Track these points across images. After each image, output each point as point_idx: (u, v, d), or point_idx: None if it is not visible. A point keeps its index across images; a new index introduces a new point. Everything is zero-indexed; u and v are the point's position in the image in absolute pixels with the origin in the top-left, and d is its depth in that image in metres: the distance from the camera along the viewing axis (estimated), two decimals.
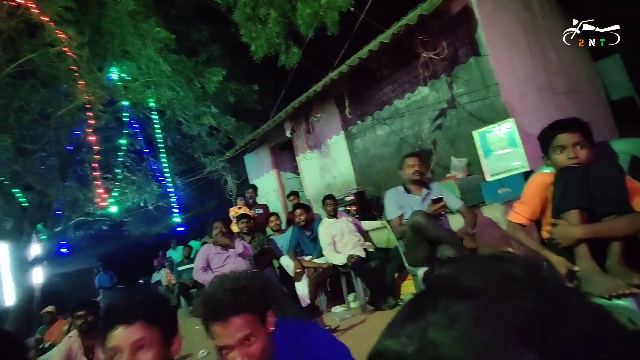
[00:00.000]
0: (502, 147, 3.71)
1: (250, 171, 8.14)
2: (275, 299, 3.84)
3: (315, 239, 4.32)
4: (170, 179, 10.62)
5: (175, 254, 8.96)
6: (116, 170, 10.22)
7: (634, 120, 5.11)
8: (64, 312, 5.69)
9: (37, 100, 7.81)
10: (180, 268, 7.38)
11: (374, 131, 5.23)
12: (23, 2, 6.57)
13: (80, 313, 2.90)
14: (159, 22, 8.20)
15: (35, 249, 8.55)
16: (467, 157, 4.09)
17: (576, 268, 1.46)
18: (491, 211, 3.32)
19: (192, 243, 8.54)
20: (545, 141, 1.66)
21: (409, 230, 2.78)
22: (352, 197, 5.00)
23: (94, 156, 8.55)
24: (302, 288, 4.09)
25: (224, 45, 9.63)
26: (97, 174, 8.57)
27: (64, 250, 9.66)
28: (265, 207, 6.09)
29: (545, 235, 1.71)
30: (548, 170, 1.74)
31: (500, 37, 4.06)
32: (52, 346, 4.18)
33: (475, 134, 3.88)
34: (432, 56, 4.08)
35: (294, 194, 5.80)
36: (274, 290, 3.69)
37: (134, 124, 10.26)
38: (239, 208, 5.71)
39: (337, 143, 5.77)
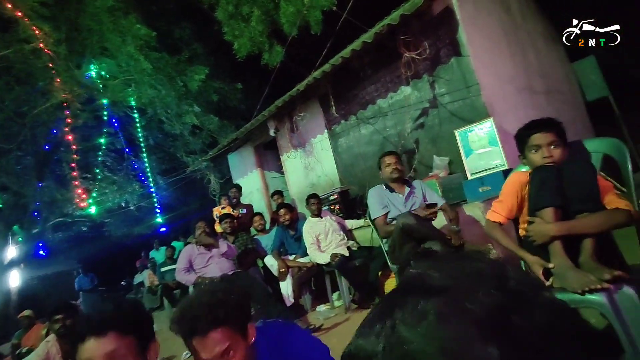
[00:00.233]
0: (482, 146, 3.78)
1: (234, 170, 8.07)
2: (257, 301, 3.83)
3: (299, 239, 4.32)
4: (152, 179, 10.47)
5: (158, 254, 8.82)
6: (96, 170, 10.00)
7: (609, 120, 5.27)
8: (42, 316, 5.54)
9: (12, 98, 7.57)
10: (163, 269, 7.27)
11: (357, 130, 5.26)
12: None
13: (58, 317, 2.83)
14: (139, 18, 8.04)
15: (12, 252, 8.29)
16: (449, 156, 4.14)
17: (550, 265, 1.50)
18: (472, 209, 3.37)
19: (174, 243, 8.43)
20: (521, 141, 1.69)
21: (397, 231, 2.78)
22: (336, 196, 5.02)
23: (72, 155, 8.35)
24: (286, 287, 4.08)
25: (207, 43, 9.51)
26: (75, 173, 8.38)
27: (42, 252, 9.41)
28: (249, 206, 6.05)
29: (522, 232, 1.75)
30: (525, 169, 1.78)
31: (481, 37, 4.12)
32: (29, 351, 4.06)
33: (457, 133, 3.94)
34: (414, 56, 4.12)
35: (278, 193, 5.78)
36: (254, 298, 3.67)
37: (114, 122, 10.05)
38: (223, 208, 5.66)
39: (321, 142, 5.77)
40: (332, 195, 5.06)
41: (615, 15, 3.15)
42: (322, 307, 4.06)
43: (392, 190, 3.14)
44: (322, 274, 4.08)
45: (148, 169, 10.46)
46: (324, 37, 5.97)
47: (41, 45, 6.77)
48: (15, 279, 8.51)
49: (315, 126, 5.81)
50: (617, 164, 1.74)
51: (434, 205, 2.94)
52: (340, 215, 4.73)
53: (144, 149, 10.24)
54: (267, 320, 1.35)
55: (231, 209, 5.57)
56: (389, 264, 3.11)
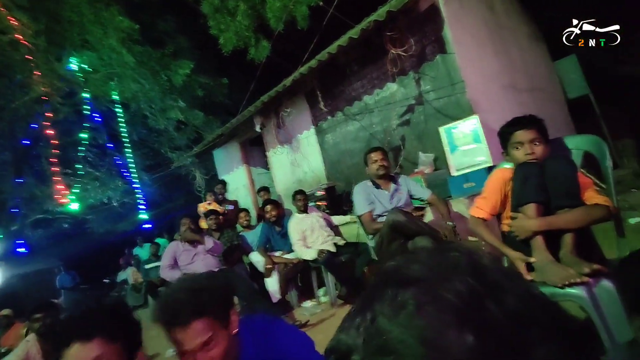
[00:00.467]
0: (467, 142, 3.82)
1: (220, 166, 8.00)
2: (243, 298, 3.81)
3: (285, 235, 4.31)
4: (136, 175, 10.29)
5: (142, 251, 8.70)
6: (77, 166, 9.77)
7: (589, 118, 5.39)
8: (21, 315, 5.41)
9: None
10: (147, 266, 7.17)
11: (344, 126, 5.26)
12: None
13: (38, 316, 2.78)
14: (121, 10, 7.88)
15: None
16: (434, 152, 4.18)
17: (532, 260, 1.53)
18: (456, 205, 3.41)
19: (159, 240, 8.32)
20: (504, 138, 1.72)
21: (386, 228, 2.78)
22: (322, 192, 5.02)
23: (53, 151, 8.14)
24: (272, 284, 4.07)
25: (192, 37, 9.38)
26: (55, 169, 8.18)
27: (21, 249, 9.18)
28: (235, 203, 6.01)
29: (505, 228, 1.78)
30: (508, 166, 1.80)
31: (466, 35, 4.16)
32: (8, 351, 3.96)
33: (442, 130, 3.97)
34: (400, 53, 4.14)
35: (265, 189, 5.75)
36: (239, 295, 3.65)
37: (96, 117, 9.83)
38: (209, 204, 5.61)
39: (308, 138, 5.76)
40: (319, 191, 5.06)
41: (598, 14, 3.21)
42: (308, 303, 4.05)
43: (377, 186, 3.15)
44: (309, 270, 4.08)
45: (132, 165, 10.27)
46: (311, 32, 5.96)
47: (19, 36, 6.56)
48: None
49: (301, 122, 5.79)
50: (597, 160, 1.78)
51: (422, 208, 2.97)
52: (327, 211, 4.73)
53: (127, 145, 10.05)
54: (254, 314, 1.34)
55: (217, 205, 5.53)
56: (375, 259, 3.13)
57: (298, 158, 5.95)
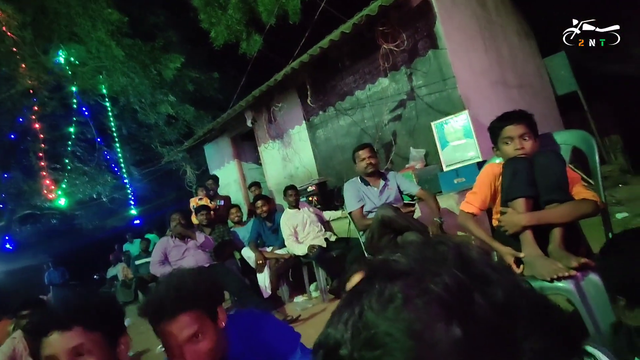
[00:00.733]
0: (457, 138, 3.85)
1: (211, 161, 7.94)
2: (234, 293, 3.80)
3: (276, 230, 4.30)
4: (125, 170, 10.17)
5: (133, 247, 8.62)
6: (65, 161, 9.62)
7: (577, 114, 5.45)
8: (8, 312, 5.32)
9: None
10: (137, 262, 7.11)
11: (335, 122, 5.25)
12: None
13: (25, 312, 2.74)
14: (110, 2, 7.73)
15: None
16: (426, 147, 4.20)
17: (521, 255, 1.55)
18: (447, 200, 3.43)
19: (149, 236, 8.25)
20: (494, 133, 1.73)
21: (376, 223, 2.79)
22: (313, 188, 5.01)
23: (40, 145, 8.01)
24: (263, 279, 4.07)
25: (183, 30, 9.27)
26: (43, 164, 8.05)
27: (8, 246, 9.04)
28: (226, 198, 5.98)
29: (495, 223, 1.79)
30: (498, 161, 1.81)
31: (457, 31, 4.17)
32: None
33: (433, 125, 3.99)
34: (392, 48, 4.13)
35: (256, 184, 5.72)
36: (227, 285, 3.64)
37: (85, 111, 9.68)
38: (200, 199, 5.56)
39: (299, 133, 5.74)
40: (310, 186, 5.06)
41: (588, 12, 3.24)
42: (299, 298, 4.07)
43: (367, 183, 3.17)
44: (300, 265, 4.09)
45: (121, 160, 10.16)
46: (303, 26, 5.92)
47: (4, 28, 6.41)
48: None
49: (293, 117, 5.77)
50: (585, 156, 1.80)
51: (412, 204, 2.98)
52: (318, 206, 4.73)
53: (116, 139, 9.93)
54: (241, 310, 1.34)
55: (209, 201, 5.49)
56: (366, 254, 3.14)
57: (289, 153, 5.94)
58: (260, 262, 4.07)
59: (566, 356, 0.32)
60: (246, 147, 7.33)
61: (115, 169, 10.61)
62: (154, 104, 9.23)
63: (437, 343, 0.28)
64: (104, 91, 9.06)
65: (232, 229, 4.89)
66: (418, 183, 3.79)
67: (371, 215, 3.02)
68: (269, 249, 4.30)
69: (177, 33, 9.35)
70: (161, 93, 9.04)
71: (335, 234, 4.20)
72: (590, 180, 1.79)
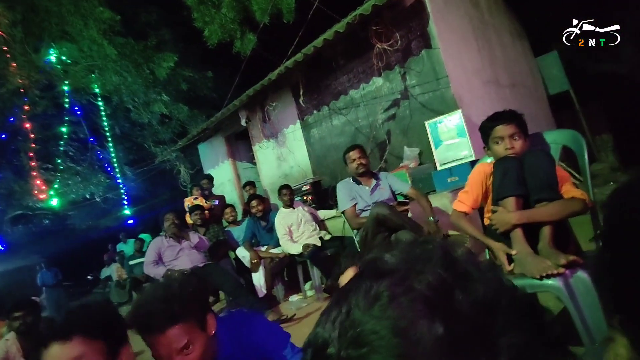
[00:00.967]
0: (451, 137, 3.87)
1: (205, 161, 7.91)
2: (229, 293, 3.79)
3: (271, 229, 4.30)
4: (118, 170, 10.10)
5: (126, 247, 8.58)
6: (57, 161, 9.53)
7: (569, 113, 5.51)
8: (1, 314, 5.27)
9: None
10: (131, 262, 7.08)
11: (330, 121, 5.26)
12: None
13: (17, 314, 2.71)
14: (101, 0, 7.65)
15: None
16: (419, 146, 4.22)
17: (513, 252, 1.57)
18: (440, 199, 3.46)
19: (143, 236, 8.21)
20: (485, 133, 1.75)
21: (371, 221, 2.81)
22: (308, 187, 5.02)
23: (31, 145, 7.92)
24: (258, 278, 4.07)
25: (176, 29, 9.21)
26: (34, 164, 7.96)
27: (0, 247, 8.94)
28: (221, 197, 5.96)
29: (487, 221, 1.81)
30: (489, 160, 1.83)
31: (450, 31, 4.19)
32: None
33: (427, 124, 4.01)
34: (386, 47, 4.15)
35: (250, 184, 5.71)
36: (225, 290, 3.62)
37: (77, 110, 9.59)
38: (195, 199, 5.54)
39: (294, 132, 5.74)
40: (305, 186, 5.06)
41: (579, 12, 3.27)
42: (294, 297, 4.07)
43: (358, 182, 3.21)
44: (295, 264, 4.09)
45: (114, 159, 10.08)
46: (297, 25, 5.91)
47: None
48: None
49: (287, 116, 5.76)
50: (575, 154, 1.82)
51: (406, 203, 3.00)
52: (313, 205, 4.74)
53: (109, 139, 9.85)
54: (231, 310, 1.35)
55: (204, 200, 5.47)
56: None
57: (284, 152, 5.94)
58: (255, 261, 4.07)
59: (546, 353, 0.33)
60: (240, 146, 7.31)
61: (109, 169, 10.54)
62: (147, 103, 9.17)
63: (420, 339, 0.29)
64: (97, 90, 8.98)
65: (226, 229, 4.88)
66: (412, 182, 3.82)
67: (364, 214, 3.05)
68: (263, 248, 4.30)
69: (170, 31, 9.29)
70: (154, 92, 8.98)
71: (329, 233, 4.21)
72: (581, 179, 1.81)
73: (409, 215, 3.19)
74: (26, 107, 7.57)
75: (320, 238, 3.98)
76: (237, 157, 7.27)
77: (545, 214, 1.55)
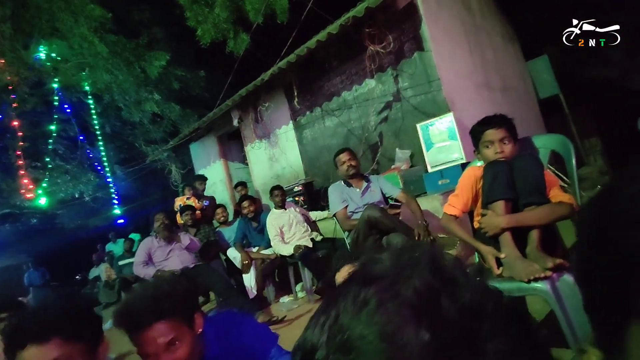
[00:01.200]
0: (442, 139, 3.90)
1: (196, 161, 7.87)
2: (220, 294, 3.78)
3: (262, 230, 4.29)
4: (109, 169, 9.99)
5: (116, 247, 8.48)
6: (46, 159, 9.40)
7: (559, 117, 5.58)
8: None
9: None
10: (121, 262, 7.00)
11: (322, 122, 5.26)
12: None
13: (3, 315, 2.66)
14: None
15: None
16: (411, 149, 4.24)
17: (502, 255, 1.58)
18: (431, 201, 3.48)
19: (133, 235, 8.13)
20: (475, 136, 1.76)
21: (362, 223, 2.82)
22: (300, 188, 5.02)
23: (19, 143, 7.79)
24: (249, 279, 4.05)
25: (168, 27, 9.13)
26: (22, 162, 7.84)
27: None
28: (211, 199, 5.93)
29: (476, 225, 1.82)
30: (479, 164, 1.85)
31: (443, 34, 4.22)
32: None
33: (418, 127, 4.03)
34: (378, 49, 4.16)
35: (242, 184, 5.69)
36: (216, 291, 3.59)
37: (67, 108, 9.46)
38: (188, 198, 5.48)
39: (286, 133, 5.73)
40: (297, 187, 5.06)
41: (572, 16, 3.31)
42: (285, 299, 4.06)
43: (349, 185, 3.23)
44: (286, 265, 4.08)
45: (105, 158, 9.97)
46: (290, 26, 5.90)
47: None
48: None
49: (280, 117, 5.76)
50: (563, 158, 1.84)
51: (398, 206, 3.02)
52: (305, 207, 4.74)
53: (99, 137, 9.73)
54: (220, 311, 1.34)
55: (196, 201, 5.43)
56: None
57: (276, 153, 5.93)
58: (246, 262, 4.06)
59: (532, 359, 0.33)
60: (232, 146, 7.28)
61: (99, 168, 10.41)
62: (138, 102, 9.09)
63: (407, 345, 0.29)
64: (87, 88, 8.87)
65: (217, 229, 4.85)
66: (403, 184, 3.83)
67: (355, 217, 3.06)
68: (254, 249, 4.29)
69: (162, 30, 9.21)
70: (146, 91, 8.91)
71: (321, 234, 4.21)
72: (569, 182, 1.84)
73: (400, 218, 3.21)
74: (15, 104, 7.45)
75: (312, 239, 3.98)
76: (229, 157, 7.24)
77: (533, 218, 1.56)
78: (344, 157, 3.22)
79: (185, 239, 4.06)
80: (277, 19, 6.78)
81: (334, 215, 3.24)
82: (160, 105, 9.14)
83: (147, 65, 8.41)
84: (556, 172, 3.43)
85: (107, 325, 2.63)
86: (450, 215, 1.81)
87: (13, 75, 6.82)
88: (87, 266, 10.17)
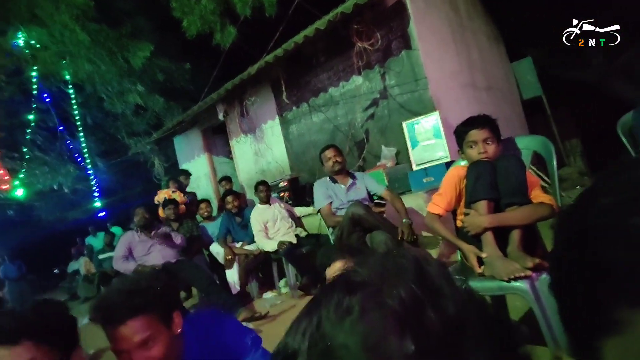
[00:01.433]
0: (427, 138, 3.93)
1: (180, 154, 7.74)
2: (202, 290, 3.74)
3: (246, 226, 4.26)
4: (90, 160, 9.75)
5: (96, 241, 8.32)
6: (23, 149, 9.11)
7: (541, 118, 5.69)
8: None
9: None
10: (100, 256, 6.89)
11: (309, 118, 5.24)
12: None
13: None
14: None
15: None
16: (397, 146, 4.26)
17: (484, 255, 1.61)
18: (415, 199, 3.50)
19: (114, 229, 7.98)
20: (459, 136, 1.78)
21: (346, 220, 2.82)
22: (285, 184, 4.99)
23: None
24: (232, 275, 4.02)
25: (153, 17, 8.91)
26: None
27: None
28: (192, 195, 5.86)
29: (459, 224, 1.84)
30: (463, 164, 1.87)
31: (430, 33, 4.24)
32: None
33: (404, 124, 4.05)
34: (366, 46, 4.16)
35: (227, 179, 5.63)
36: (198, 286, 3.55)
37: (46, 97, 9.18)
38: (173, 192, 5.38)
39: (272, 128, 5.69)
40: (282, 182, 5.03)
41: (561, 17, 3.35)
42: (268, 294, 4.05)
43: (334, 181, 3.24)
44: (269, 261, 4.07)
45: (85, 150, 9.73)
46: (278, 20, 5.84)
47: None
48: None
49: (266, 112, 5.71)
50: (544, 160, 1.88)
51: (383, 205, 3.03)
52: (290, 202, 4.72)
53: (80, 128, 9.49)
54: (200, 310, 1.32)
55: (181, 195, 5.35)
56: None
57: (262, 148, 5.88)
58: (229, 257, 4.02)
59: None
60: (217, 140, 7.20)
61: (79, 159, 10.16)
62: (121, 93, 8.87)
63: (390, 356, 0.29)
64: (68, 77, 8.62)
65: (201, 224, 4.80)
66: (388, 181, 3.85)
67: (340, 213, 3.06)
68: (238, 245, 4.26)
69: (146, 20, 8.99)
70: (129, 82, 8.70)
71: (305, 230, 4.20)
72: (550, 182, 1.87)
73: (385, 216, 3.22)
74: None
75: (296, 235, 3.97)
76: (213, 152, 7.15)
77: (515, 218, 1.59)
78: (329, 153, 3.23)
79: (177, 238, 3.99)
80: (265, 12, 6.69)
81: (319, 211, 3.24)
82: (143, 96, 8.94)
83: (131, 56, 8.21)
84: (537, 172, 3.50)
85: (85, 320, 2.58)
86: (434, 214, 1.82)
87: None
88: (66, 260, 9.96)
